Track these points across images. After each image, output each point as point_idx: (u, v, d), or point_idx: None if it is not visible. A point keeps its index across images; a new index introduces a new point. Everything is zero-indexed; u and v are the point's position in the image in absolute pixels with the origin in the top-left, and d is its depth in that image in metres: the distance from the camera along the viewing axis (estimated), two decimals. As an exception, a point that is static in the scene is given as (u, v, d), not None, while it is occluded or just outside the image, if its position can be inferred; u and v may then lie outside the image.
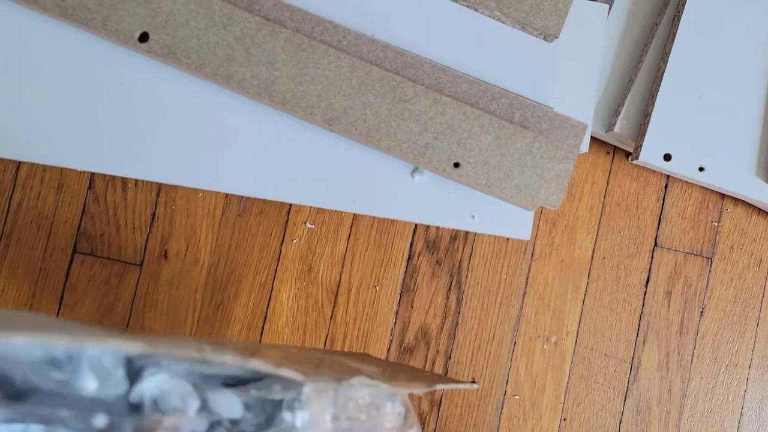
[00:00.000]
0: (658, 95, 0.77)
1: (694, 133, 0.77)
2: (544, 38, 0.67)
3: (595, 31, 0.77)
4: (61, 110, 0.61)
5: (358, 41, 0.61)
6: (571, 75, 0.77)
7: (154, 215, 0.78)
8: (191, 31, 0.56)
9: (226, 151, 0.63)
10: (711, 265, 0.86)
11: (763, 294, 0.86)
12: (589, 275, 0.85)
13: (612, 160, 0.86)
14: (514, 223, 0.68)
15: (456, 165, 0.61)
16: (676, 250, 0.86)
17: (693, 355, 0.85)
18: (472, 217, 0.67)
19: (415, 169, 0.66)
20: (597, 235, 0.85)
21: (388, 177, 0.65)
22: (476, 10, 0.66)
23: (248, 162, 0.63)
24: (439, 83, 0.62)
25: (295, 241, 0.80)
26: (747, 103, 0.78)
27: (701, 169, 0.77)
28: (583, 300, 0.84)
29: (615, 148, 0.86)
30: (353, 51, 0.61)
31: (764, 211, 0.87)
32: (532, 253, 0.84)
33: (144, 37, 0.56)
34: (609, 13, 0.82)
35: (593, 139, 0.85)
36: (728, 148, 0.78)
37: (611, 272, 0.85)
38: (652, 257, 0.86)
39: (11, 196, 0.78)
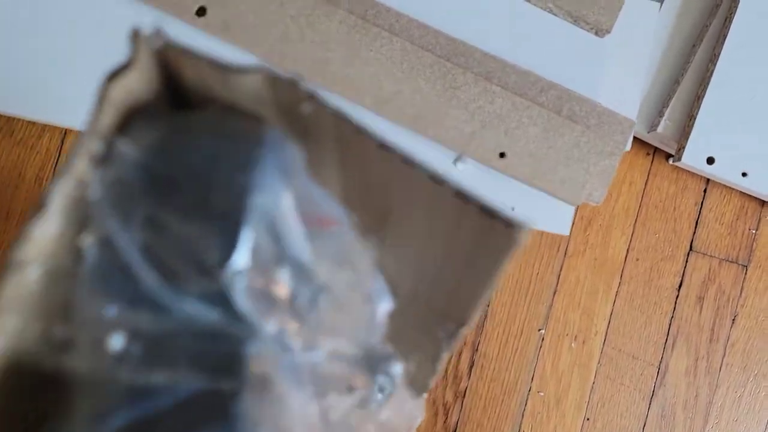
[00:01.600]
0: (705, 97, 0.76)
1: (738, 138, 0.76)
2: (596, 33, 0.66)
3: (645, 29, 0.76)
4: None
5: (411, 26, 0.61)
6: (618, 72, 0.76)
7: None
8: (248, 6, 0.56)
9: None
10: (746, 273, 0.85)
11: (798, 305, 0.85)
12: (621, 276, 0.84)
13: (652, 162, 0.85)
14: (553, 217, 0.68)
15: (502, 155, 0.60)
16: (711, 256, 0.85)
17: (722, 363, 0.84)
18: (512, 209, 0.67)
19: (458, 158, 0.66)
20: (632, 235, 0.84)
21: (429, 162, 0.65)
22: (529, 1, 0.65)
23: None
24: (489, 72, 0.62)
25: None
26: (795, 111, 0.77)
27: (744, 174, 0.77)
28: (614, 300, 0.84)
29: (655, 149, 0.85)
30: (405, 35, 0.61)
31: (804, 222, 0.86)
32: (566, 251, 0.83)
33: (202, 11, 0.57)
34: (659, 11, 0.81)
35: (634, 139, 0.84)
36: (773, 155, 0.77)
37: (644, 274, 0.84)
38: (687, 261, 0.85)
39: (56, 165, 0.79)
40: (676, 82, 0.80)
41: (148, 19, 0.60)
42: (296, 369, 0.19)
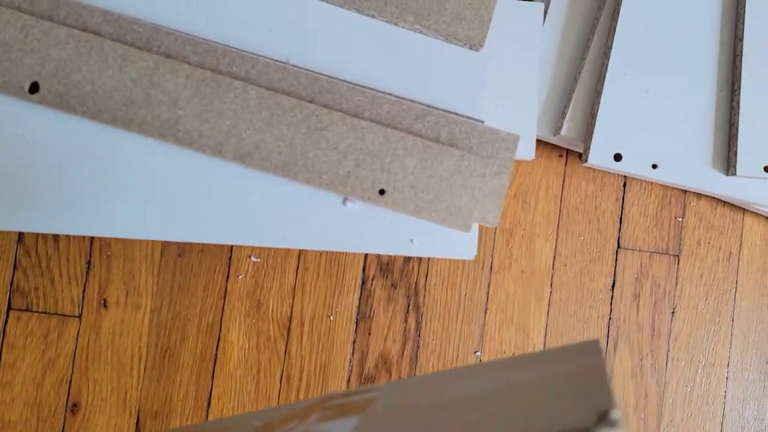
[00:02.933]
0: (603, 93, 0.73)
1: (644, 130, 0.73)
2: (470, 47, 0.63)
3: (531, 32, 0.73)
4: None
5: (268, 70, 0.57)
6: (511, 79, 0.73)
7: (89, 263, 0.74)
8: (84, 76, 0.53)
9: (147, 197, 0.59)
10: (678, 263, 0.82)
11: (736, 288, 0.82)
12: (551, 284, 0.81)
13: (566, 163, 0.82)
14: (456, 242, 0.64)
15: (381, 192, 0.57)
16: (640, 251, 0.82)
17: (667, 358, 0.81)
18: (411, 241, 0.63)
19: (347, 198, 0.62)
20: (556, 241, 0.81)
21: (319, 207, 0.62)
22: (396, 24, 0.62)
23: (171, 205, 0.60)
24: (358, 106, 0.58)
25: (240, 276, 0.76)
26: (696, 94, 0.74)
27: (654, 166, 0.73)
28: (548, 311, 0.80)
29: (568, 150, 0.82)
30: (263, 81, 0.57)
31: (729, 203, 0.83)
32: (491, 267, 0.80)
33: (34, 88, 0.53)
34: (547, 11, 0.78)
35: (544, 143, 0.81)
36: (681, 142, 0.74)
37: (574, 279, 0.81)
38: (616, 260, 0.82)
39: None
40: (574, 80, 0.77)
41: (-8, 101, 0.56)
42: None
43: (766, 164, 0.72)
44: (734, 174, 0.72)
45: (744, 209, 0.83)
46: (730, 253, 0.82)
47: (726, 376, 0.81)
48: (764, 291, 0.82)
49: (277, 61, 0.59)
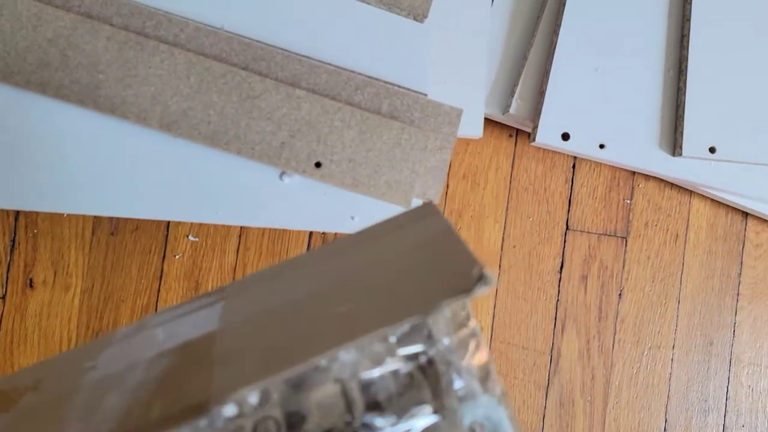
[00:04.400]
0: (552, 71, 0.72)
1: (591, 110, 0.72)
2: (414, 18, 0.61)
3: (480, 8, 0.72)
4: None
5: (199, 34, 0.54)
6: (459, 56, 0.71)
7: (14, 242, 0.70)
8: (-7, 36, 0.49)
9: (75, 168, 0.55)
10: (626, 245, 0.82)
11: (682, 270, 0.83)
12: (500, 266, 0.79)
13: (515, 143, 0.81)
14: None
15: (318, 165, 0.54)
16: (589, 232, 0.81)
17: (614, 340, 0.81)
18: (352, 218, 0.61)
19: (284, 171, 0.59)
20: (505, 222, 0.80)
21: (254, 181, 0.59)
22: (336, -9, 0.59)
23: (100, 178, 0.56)
24: (295, 75, 0.56)
25: (177, 256, 0.73)
26: (644, 74, 0.74)
27: (602, 146, 0.73)
28: (496, 292, 0.79)
29: (518, 130, 0.81)
30: (193, 45, 0.54)
31: (677, 185, 0.83)
32: (438, 248, 0.78)
33: (-62, 47, 0.49)
34: (497, -13, 0.76)
35: (494, 123, 0.79)
36: (629, 123, 0.73)
37: (523, 260, 0.80)
38: (565, 241, 0.81)
39: None
40: (523, 57, 0.76)
41: None
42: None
43: (711, 145, 0.72)
44: (680, 155, 0.72)
45: (691, 191, 0.83)
46: (677, 235, 0.83)
47: (671, 358, 0.82)
48: (709, 273, 0.83)
49: (210, 26, 0.56)
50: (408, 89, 0.60)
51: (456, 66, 0.70)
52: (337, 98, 0.56)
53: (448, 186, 0.79)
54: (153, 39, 0.52)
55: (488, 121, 0.79)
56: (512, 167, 0.80)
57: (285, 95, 0.54)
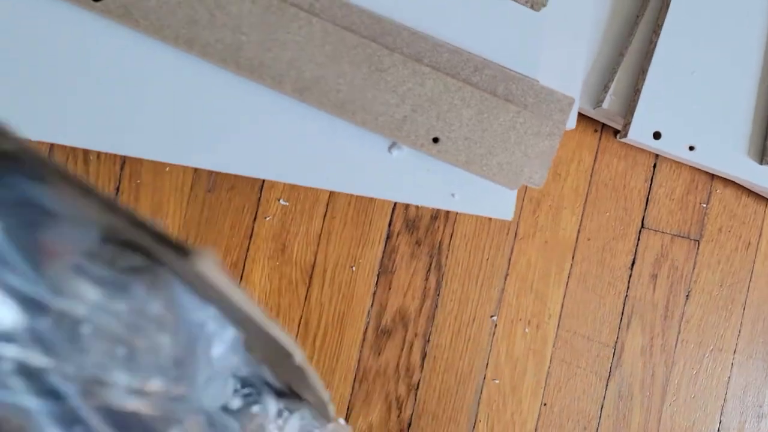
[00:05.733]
0: (649, 71, 0.74)
1: (685, 111, 0.74)
2: (531, 6, 0.63)
3: (584, 2, 0.74)
4: (13, 77, 0.56)
5: (332, 4, 0.57)
6: (558, 48, 0.73)
7: (118, 189, 0.74)
8: (150, -11, 0.52)
9: (193, 123, 0.59)
10: (698, 248, 0.84)
11: (751, 278, 0.85)
12: (573, 257, 0.82)
13: (600, 139, 0.83)
14: (496, 202, 0.65)
15: (435, 140, 0.57)
16: (663, 232, 0.84)
17: (677, 340, 0.83)
18: (453, 195, 0.64)
19: (393, 144, 0.62)
20: (582, 215, 0.82)
21: (364, 152, 0.62)
22: (460, -26, 0.62)
23: (216, 134, 0.60)
24: (419, 52, 0.58)
25: (268, 218, 0.77)
26: (740, 81, 0.76)
27: (691, 148, 0.75)
28: (567, 282, 0.82)
29: (603, 125, 0.83)
30: (327, 15, 0.57)
31: (754, 193, 0.85)
32: (515, 234, 0.81)
33: (98, -4, 0.52)
34: (600, -18, 0.78)
35: (580, 116, 0.82)
36: (720, 127, 0.75)
37: (596, 254, 0.82)
38: (639, 239, 0.83)
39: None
40: (620, 54, 0.78)
41: (46, 6, 0.55)
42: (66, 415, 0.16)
43: (799, 157, 0.74)
44: (767, 164, 0.74)
45: (767, 201, 0.85)
46: (749, 243, 0.85)
47: (731, 363, 0.84)
48: (777, 283, 0.85)
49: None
50: (521, 75, 0.62)
51: (555, 56, 0.72)
52: (458, 77, 0.59)
53: (530, 174, 0.81)
54: (291, 5, 0.55)
55: (578, 115, 0.81)
56: (594, 162, 0.82)
57: (411, 71, 0.56)
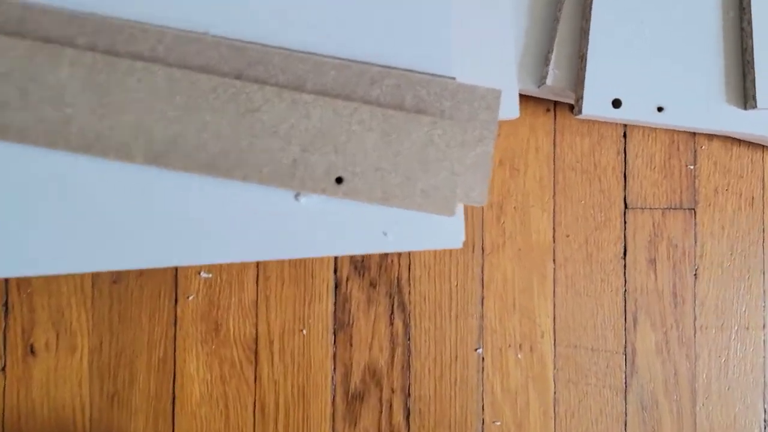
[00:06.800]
0: (591, 30, 0.64)
1: (643, 69, 0.64)
2: (428, -11, 0.53)
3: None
4: None
5: (180, 43, 0.47)
6: (480, 27, 0.63)
7: (7, 305, 0.64)
8: (-65, 78, 0.42)
9: (56, 223, 0.49)
10: (695, 217, 0.73)
11: (763, 237, 0.74)
12: (554, 260, 0.72)
13: (555, 118, 0.73)
14: (439, 229, 0.54)
15: (338, 180, 0.47)
16: (651, 208, 0.73)
17: (695, 327, 0.73)
18: (385, 235, 0.54)
19: (299, 191, 0.52)
20: (554, 210, 0.72)
21: (265, 207, 0.52)
22: (333, -29, 0.52)
23: (100, 230, 0.49)
24: (299, 77, 0.48)
25: (191, 298, 0.66)
26: (701, 19, 0.65)
27: (660, 109, 0.64)
28: (554, 291, 0.72)
29: (555, 102, 0.73)
30: (174, 58, 0.46)
31: (745, 141, 0.74)
32: (483, 249, 0.71)
33: None
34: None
35: (527, 97, 0.71)
36: (688, 78, 0.64)
37: (580, 251, 0.72)
38: (625, 222, 0.73)
39: None
40: (554, 19, 0.67)
41: None
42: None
43: (788, 91, 0.63)
44: (754, 107, 0.63)
45: (763, 146, 0.74)
46: (753, 198, 0.74)
47: (763, 340, 0.73)
48: (794, 237, 0.74)
49: (193, 32, 0.49)
50: (433, 74, 0.52)
51: (478, 41, 0.62)
52: (352, 96, 0.48)
53: (484, 177, 0.71)
54: (126, 57, 0.45)
55: (522, 97, 0.71)
56: (554, 145, 0.72)
57: (290, 102, 0.46)
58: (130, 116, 0.44)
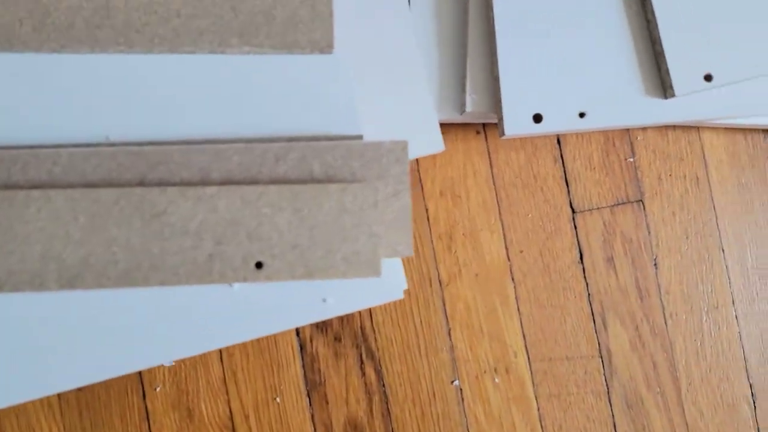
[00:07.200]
0: (498, 50, 0.63)
1: (557, 79, 0.63)
2: (319, 52, 0.52)
3: (398, 12, 0.63)
4: None
5: (76, 161, 0.46)
6: (390, 68, 0.63)
7: (-25, 435, 0.63)
8: None
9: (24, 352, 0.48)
10: (644, 208, 0.73)
11: (716, 214, 0.73)
12: (513, 279, 0.71)
13: (486, 138, 0.72)
14: (378, 284, 0.54)
15: (258, 265, 0.46)
16: (599, 208, 0.72)
17: (665, 317, 0.72)
18: (324, 300, 0.53)
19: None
20: (503, 229, 0.71)
21: (200, 299, 0.51)
22: (222, 53, 0.51)
23: (51, 353, 0.49)
24: (202, 169, 0.47)
25: (158, 388, 0.66)
26: (604, 17, 0.65)
27: (582, 115, 0.64)
28: (518, 309, 0.71)
29: (484, 124, 0.72)
30: (73, 176, 0.46)
31: (679, 124, 0.74)
32: (440, 281, 0.70)
33: None
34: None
35: (455, 125, 0.71)
36: (604, 78, 0.64)
37: (536, 264, 0.71)
38: (575, 227, 0.72)
39: None
40: (463, 45, 0.67)
41: None
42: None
43: (705, 72, 0.63)
44: (673, 95, 0.63)
45: (698, 126, 0.74)
46: (698, 178, 0.73)
47: (735, 315, 0.73)
48: (747, 207, 0.73)
49: (90, 145, 0.48)
50: (340, 136, 0.51)
51: (392, 85, 0.62)
52: (259, 178, 0.48)
53: (427, 210, 0.70)
54: (23, 187, 0.45)
55: (449, 125, 0.70)
56: (491, 166, 0.71)
57: (195, 199, 0.45)
58: (36, 246, 0.43)
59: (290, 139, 0.50)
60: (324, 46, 0.51)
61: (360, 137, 0.51)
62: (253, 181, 0.47)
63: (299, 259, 0.46)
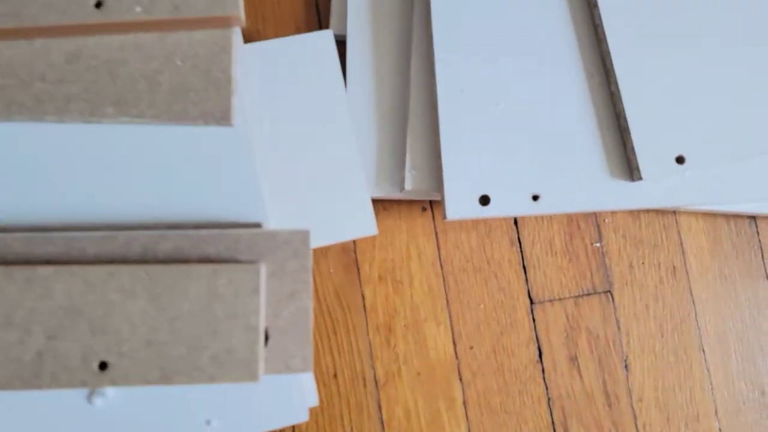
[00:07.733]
0: (441, 123, 0.55)
1: (509, 156, 0.55)
2: (217, 124, 0.44)
3: (329, 64, 0.56)
4: None
5: None
6: (321, 143, 0.55)
7: None
8: None
9: None
10: (613, 300, 0.63)
11: (695, 309, 0.64)
12: (461, 378, 0.61)
13: (433, 217, 0.63)
14: (280, 399, 0.44)
15: (102, 366, 0.37)
16: (561, 299, 0.63)
17: (637, 428, 0.62)
18: (208, 423, 0.44)
19: (90, 392, 0.42)
20: (451, 321, 0.62)
21: (58, 415, 0.42)
22: (96, 122, 0.43)
23: None
24: (48, 261, 0.39)
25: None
26: (563, 90, 0.57)
27: (535, 197, 0.55)
28: (466, 414, 0.61)
29: (431, 201, 0.64)
30: None
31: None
32: (375, 381, 0.60)
33: None
34: (347, 50, 0.60)
35: (399, 202, 0.62)
36: (561, 157, 0.55)
37: (488, 362, 0.62)
38: (534, 319, 0.63)
39: None
40: (404, 118, 0.59)
41: None
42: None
43: (677, 154, 0.55)
44: (640, 178, 0.54)
45: (674, 209, 0.65)
46: (674, 267, 0.64)
47: (718, 429, 0.62)
48: (732, 302, 0.64)
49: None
50: (233, 222, 0.43)
51: (324, 162, 0.54)
52: (121, 262, 0.39)
53: (364, 297, 0.61)
54: None
55: (392, 203, 0.62)
56: (438, 248, 0.63)
57: (23, 282, 0.37)
58: None
59: (169, 226, 0.41)
60: (221, 116, 0.43)
61: (258, 225, 0.42)
62: (105, 263, 0.38)
63: (155, 357, 0.36)
